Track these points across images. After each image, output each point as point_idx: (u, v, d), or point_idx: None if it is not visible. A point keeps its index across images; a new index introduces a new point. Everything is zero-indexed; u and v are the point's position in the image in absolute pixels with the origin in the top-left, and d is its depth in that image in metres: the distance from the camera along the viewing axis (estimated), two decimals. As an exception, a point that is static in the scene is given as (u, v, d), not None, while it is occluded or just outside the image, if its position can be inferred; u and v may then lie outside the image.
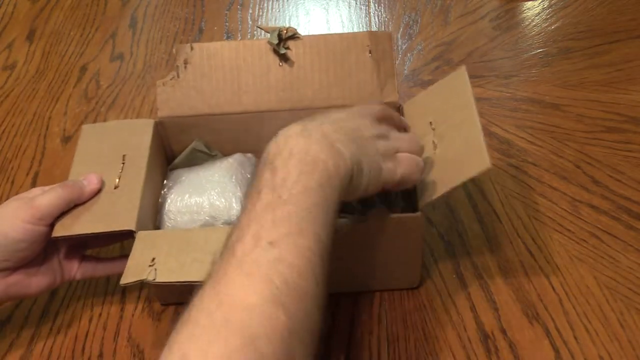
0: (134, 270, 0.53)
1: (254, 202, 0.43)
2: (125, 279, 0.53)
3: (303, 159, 0.44)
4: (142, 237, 0.57)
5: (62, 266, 0.61)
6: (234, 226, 0.43)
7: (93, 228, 0.57)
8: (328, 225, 0.44)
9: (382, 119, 0.56)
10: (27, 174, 0.81)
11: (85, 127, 0.68)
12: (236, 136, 0.71)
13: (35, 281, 0.59)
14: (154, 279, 0.52)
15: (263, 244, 0.40)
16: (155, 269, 0.53)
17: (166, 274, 0.53)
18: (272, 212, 0.42)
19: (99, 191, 0.60)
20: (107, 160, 0.64)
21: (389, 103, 0.69)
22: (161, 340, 0.62)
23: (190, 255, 0.54)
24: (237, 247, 0.41)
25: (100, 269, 0.64)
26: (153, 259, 0.54)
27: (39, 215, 0.56)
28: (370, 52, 0.69)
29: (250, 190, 0.45)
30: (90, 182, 0.60)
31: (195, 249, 0.55)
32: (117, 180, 0.62)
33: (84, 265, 0.63)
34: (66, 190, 0.58)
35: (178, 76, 0.69)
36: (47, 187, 0.60)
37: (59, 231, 0.57)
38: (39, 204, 0.56)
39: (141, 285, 0.67)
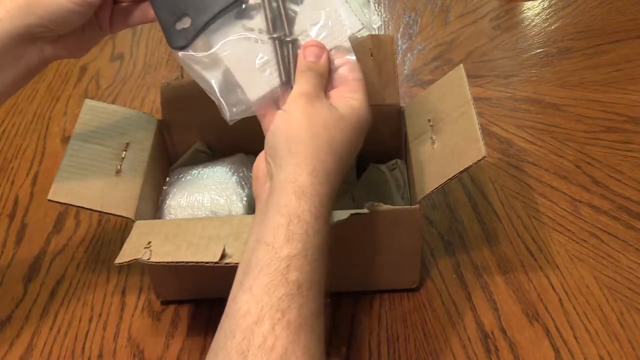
0: (129, 252, 0.54)
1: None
2: (120, 259, 0.53)
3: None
4: (140, 225, 0.57)
5: (99, 24, 0.58)
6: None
7: (91, 204, 0.58)
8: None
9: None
10: (27, 174, 0.81)
11: (89, 103, 0.67)
12: (238, 137, 0.71)
13: (80, 43, 0.57)
14: (149, 259, 0.53)
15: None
16: (151, 250, 0.53)
17: (161, 254, 0.53)
18: None
19: None
20: (109, 142, 0.64)
21: (390, 105, 0.69)
22: (161, 340, 0.62)
23: (187, 239, 0.54)
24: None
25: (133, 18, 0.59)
26: (149, 242, 0.54)
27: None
28: (372, 55, 0.69)
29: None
30: None
31: (193, 234, 0.55)
32: (119, 166, 0.62)
33: (116, 16, 0.58)
34: None
35: (182, 77, 0.69)
36: None
37: (56, 196, 0.58)
38: None
39: (141, 284, 0.67)
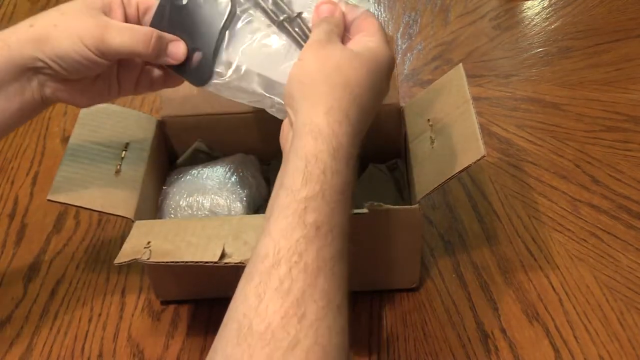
0: (129, 252, 0.54)
1: None
2: (120, 259, 0.53)
3: None
4: (139, 225, 0.57)
5: (119, 82, 0.57)
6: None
7: (91, 204, 0.58)
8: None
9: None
10: (27, 174, 0.81)
11: None
12: (238, 137, 0.71)
13: (87, 94, 0.55)
14: (148, 259, 0.53)
15: None
16: (150, 250, 0.53)
17: (161, 254, 0.53)
18: None
19: (182, 62, 0.54)
20: (109, 142, 0.64)
21: (390, 105, 0.69)
22: (161, 340, 0.62)
23: (186, 239, 0.55)
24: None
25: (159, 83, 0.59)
26: (149, 242, 0.54)
27: (104, 51, 0.51)
28: None
29: None
30: (177, 48, 0.54)
31: (192, 234, 0.55)
32: (119, 166, 0.62)
33: (143, 80, 0.58)
34: (143, 39, 0.52)
35: None
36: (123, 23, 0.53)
37: (55, 196, 0.57)
38: (110, 42, 0.51)
39: (141, 284, 0.67)
